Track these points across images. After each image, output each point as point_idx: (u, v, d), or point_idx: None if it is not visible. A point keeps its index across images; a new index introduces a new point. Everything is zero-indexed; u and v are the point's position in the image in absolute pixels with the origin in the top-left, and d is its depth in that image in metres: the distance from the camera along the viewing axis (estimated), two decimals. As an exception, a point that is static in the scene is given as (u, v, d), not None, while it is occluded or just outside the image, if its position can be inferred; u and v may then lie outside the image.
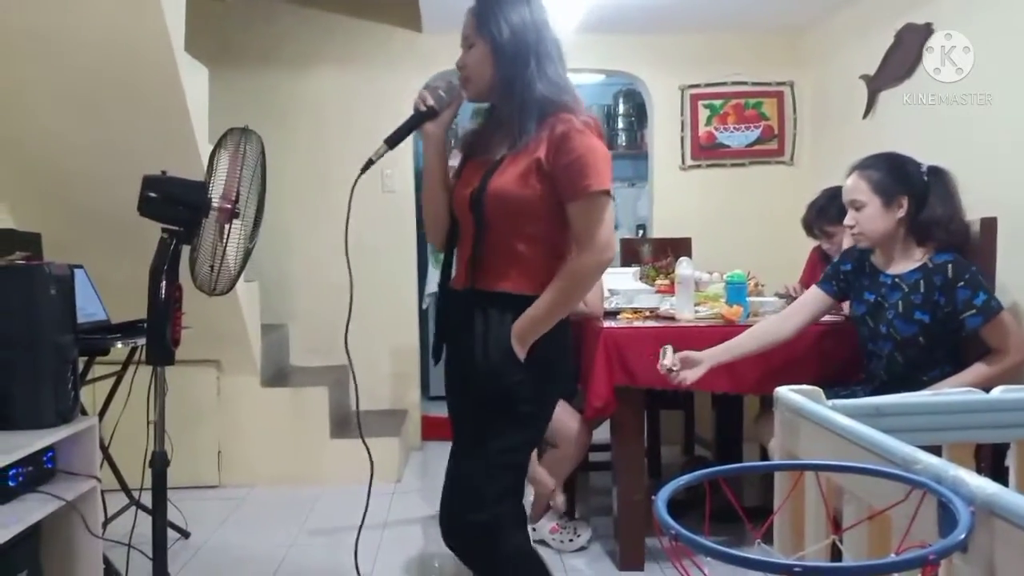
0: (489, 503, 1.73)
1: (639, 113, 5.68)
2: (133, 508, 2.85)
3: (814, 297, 2.49)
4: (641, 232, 5.50)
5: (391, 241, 4.32)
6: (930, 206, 2.24)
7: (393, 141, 1.85)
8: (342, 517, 3.29)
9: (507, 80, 1.80)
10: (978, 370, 2.17)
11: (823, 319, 2.71)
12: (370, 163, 1.82)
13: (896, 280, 2.29)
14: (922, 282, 2.23)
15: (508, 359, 1.69)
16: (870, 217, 2.27)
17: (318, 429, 3.72)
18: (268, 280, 3.98)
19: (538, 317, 1.69)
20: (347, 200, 1.89)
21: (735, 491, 2.88)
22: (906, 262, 2.29)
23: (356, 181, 1.83)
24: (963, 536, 0.75)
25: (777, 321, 2.47)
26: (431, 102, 1.88)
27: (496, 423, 1.74)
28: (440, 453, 4.11)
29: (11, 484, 2.13)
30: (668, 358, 2.30)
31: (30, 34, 2.56)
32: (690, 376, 2.31)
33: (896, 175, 2.26)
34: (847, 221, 2.34)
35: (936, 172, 2.29)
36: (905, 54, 3.40)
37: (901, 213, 2.25)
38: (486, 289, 1.75)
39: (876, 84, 3.65)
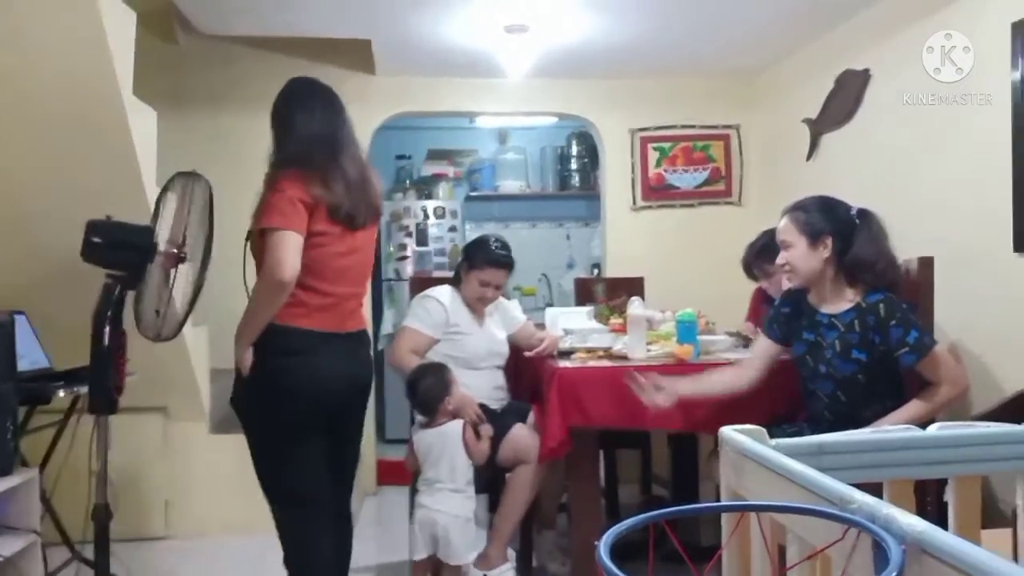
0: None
1: (592, 154, 5.77)
2: (75, 562, 2.75)
3: (764, 347, 2.54)
4: (596, 271, 5.56)
5: (345, 283, 4.29)
6: (857, 246, 2.31)
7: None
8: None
9: None
10: (914, 407, 2.22)
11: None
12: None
13: (832, 320, 2.35)
14: (856, 322, 2.29)
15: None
16: (797, 256, 2.35)
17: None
18: (217, 324, 3.91)
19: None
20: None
21: (692, 529, 2.89)
22: (840, 302, 2.35)
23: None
24: (895, 574, 0.76)
25: (735, 372, 2.52)
26: None
27: None
28: (396, 498, 4.06)
29: (-57, 540, 2.05)
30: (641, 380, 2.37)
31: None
32: (661, 400, 2.36)
33: (822, 216, 2.34)
34: (778, 261, 2.43)
35: (864, 214, 2.37)
36: (845, 98, 3.52)
37: (826, 253, 2.32)
38: None
39: (818, 127, 3.77)
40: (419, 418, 2.78)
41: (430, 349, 3.02)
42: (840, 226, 2.32)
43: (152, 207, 2.42)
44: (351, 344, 2.29)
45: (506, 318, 3.24)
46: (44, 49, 2.50)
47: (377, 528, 3.81)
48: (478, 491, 2.81)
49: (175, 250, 2.14)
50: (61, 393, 2.57)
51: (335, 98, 2.32)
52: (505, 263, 3.05)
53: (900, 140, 3.20)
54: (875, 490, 1.09)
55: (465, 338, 3.05)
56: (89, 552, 2.50)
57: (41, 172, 2.80)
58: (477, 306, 3.11)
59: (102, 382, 2.02)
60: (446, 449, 2.63)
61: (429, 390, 2.68)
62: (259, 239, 2.10)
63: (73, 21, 2.44)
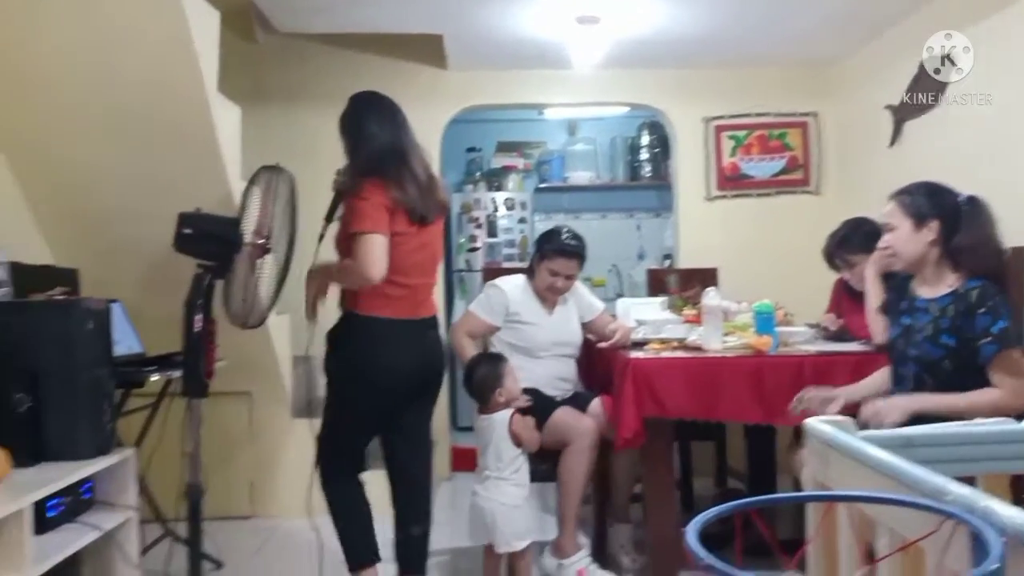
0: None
1: (663, 144, 5.71)
2: (168, 539, 2.88)
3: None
4: (668, 262, 5.50)
5: (419, 273, 4.36)
6: (962, 232, 2.25)
7: (329, 217, 2.46)
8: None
9: None
10: (981, 395, 2.15)
11: (855, 348, 2.70)
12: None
13: (929, 304, 2.30)
14: (952, 307, 2.23)
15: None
16: (900, 238, 2.31)
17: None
18: (298, 313, 4.03)
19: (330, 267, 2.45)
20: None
21: (768, 524, 2.85)
22: (939, 286, 2.30)
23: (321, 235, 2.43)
24: (995, 566, 0.75)
25: (885, 371, 2.44)
26: None
27: None
28: (469, 484, 4.09)
29: (51, 515, 2.17)
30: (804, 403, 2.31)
31: (73, 72, 2.65)
32: (832, 409, 2.28)
33: (929, 200, 2.30)
34: (881, 243, 2.39)
35: (972, 201, 2.30)
36: (930, 83, 3.40)
37: (931, 236, 2.27)
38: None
39: (902, 113, 3.66)
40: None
41: (489, 334, 3.13)
42: (946, 211, 2.27)
43: (238, 200, 2.51)
44: (424, 329, 2.56)
45: (583, 306, 3.25)
46: (131, 49, 2.61)
47: (451, 513, 3.86)
48: (544, 480, 2.85)
49: (261, 241, 2.21)
50: (154, 377, 2.69)
51: (397, 107, 2.55)
52: (573, 253, 3.07)
53: (989, 125, 3.08)
54: (968, 486, 1.07)
55: (527, 327, 3.10)
56: (180, 529, 2.62)
57: (131, 168, 2.93)
58: (548, 296, 3.13)
59: (194, 367, 2.11)
60: (493, 437, 2.67)
61: (482, 380, 2.73)
62: (345, 241, 2.36)
63: (159, 21, 2.54)
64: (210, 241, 2.17)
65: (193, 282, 2.16)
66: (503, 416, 2.68)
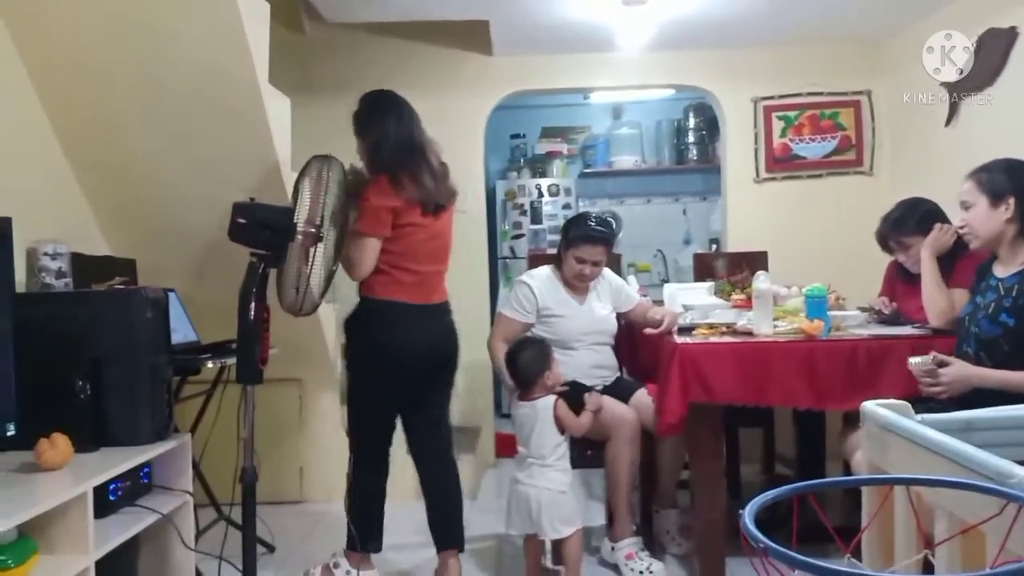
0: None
1: (710, 127, 5.64)
2: (223, 522, 2.95)
3: None
4: (715, 246, 5.44)
5: (463, 260, 4.34)
6: None
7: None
8: (419, 534, 3.33)
9: None
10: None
11: (910, 332, 2.65)
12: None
13: (999, 282, 2.25)
14: (1017, 286, 2.17)
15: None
16: (977, 216, 2.29)
17: (395, 445, 3.77)
18: (348, 302, 4.09)
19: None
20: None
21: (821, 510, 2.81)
22: (1012, 264, 2.26)
23: None
24: (1063, 550, 0.73)
25: None
26: None
27: None
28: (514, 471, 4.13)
29: (111, 498, 2.24)
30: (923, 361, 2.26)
31: (126, 63, 2.71)
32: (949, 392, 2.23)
33: (1007, 176, 2.27)
34: (958, 222, 2.39)
35: None
36: (988, 59, 3.30)
37: (1008, 214, 2.23)
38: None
39: (958, 91, 3.55)
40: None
41: (525, 333, 3.07)
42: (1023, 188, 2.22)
43: (290, 190, 2.55)
44: (438, 313, 2.72)
45: (617, 295, 3.22)
46: (184, 40, 2.65)
47: (498, 499, 3.88)
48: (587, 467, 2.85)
49: (313, 230, 2.24)
50: (209, 364, 2.75)
51: (407, 102, 2.69)
52: (600, 238, 3.02)
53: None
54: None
55: (558, 320, 3.07)
56: (234, 514, 2.68)
57: (185, 158, 2.98)
58: (576, 284, 3.10)
59: (249, 354, 2.15)
60: (537, 423, 2.65)
61: (529, 363, 2.70)
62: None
63: (211, 12, 2.57)
64: (264, 231, 2.20)
65: (248, 271, 2.19)
66: (547, 402, 2.67)
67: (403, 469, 2.99)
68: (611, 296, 3.20)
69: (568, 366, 2.95)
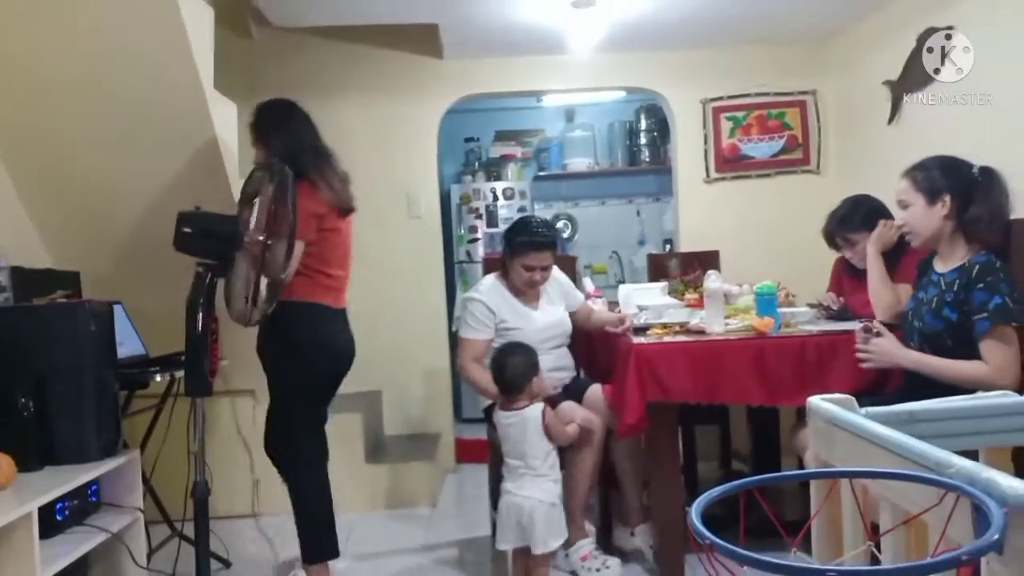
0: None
1: (661, 128, 5.70)
2: (176, 539, 2.89)
3: None
4: (668, 247, 5.50)
5: (419, 266, 4.35)
6: (975, 204, 2.25)
7: None
8: (379, 542, 3.31)
9: None
10: (970, 367, 2.16)
11: (857, 327, 2.69)
12: None
13: (940, 277, 2.30)
14: (957, 280, 2.23)
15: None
16: (915, 215, 2.34)
17: (353, 455, 3.74)
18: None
19: None
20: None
21: (774, 506, 2.87)
22: (952, 259, 2.31)
23: None
24: (996, 536, 0.74)
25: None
26: None
27: None
28: (474, 476, 4.13)
29: (59, 518, 2.18)
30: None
31: (67, 73, 2.65)
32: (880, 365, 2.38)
33: (941, 174, 2.31)
34: (897, 221, 2.45)
35: (987, 172, 2.30)
36: (927, 57, 3.38)
37: (944, 211, 2.28)
38: None
39: (900, 88, 3.63)
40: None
41: (488, 350, 2.99)
42: (960, 184, 2.27)
43: (237, 197, 2.51)
44: (344, 318, 2.78)
45: (567, 295, 3.19)
46: (127, 48, 2.60)
47: (457, 506, 3.88)
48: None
49: (260, 238, 2.20)
50: (158, 378, 2.69)
51: (306, 112, 2.73)
52: (545, 243, 2.95)
53: (992, 98, 3.05)
54: (971, 459, 1.06)
55: (515, 332, 2.98)
56: (187, 529, 2.63)
57: (129, 168, 2.92)
58: (527, 291, 3.04)
59: (198, 366, 2.11)
60: (528, 432, 2.58)
61: (520, 368, 2.62)
62: None
63: (153, 19, 2.53)
64: (210, 239, 2.17)
65: (194, 281, 2.16)
66: (535, 411, 2.59)
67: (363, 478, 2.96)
68: (562, 296, 3.17)
69: None
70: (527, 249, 2.94)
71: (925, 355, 2.26)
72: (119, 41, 2.57)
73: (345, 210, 2.66)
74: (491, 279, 3.11)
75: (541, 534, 2.54)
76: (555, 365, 3.06)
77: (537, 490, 2.57)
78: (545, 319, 3.07)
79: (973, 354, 2.19)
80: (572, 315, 3.18)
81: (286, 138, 2.59)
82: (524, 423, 2.60)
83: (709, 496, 0.87)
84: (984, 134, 3.07)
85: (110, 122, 2.79)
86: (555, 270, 3.13)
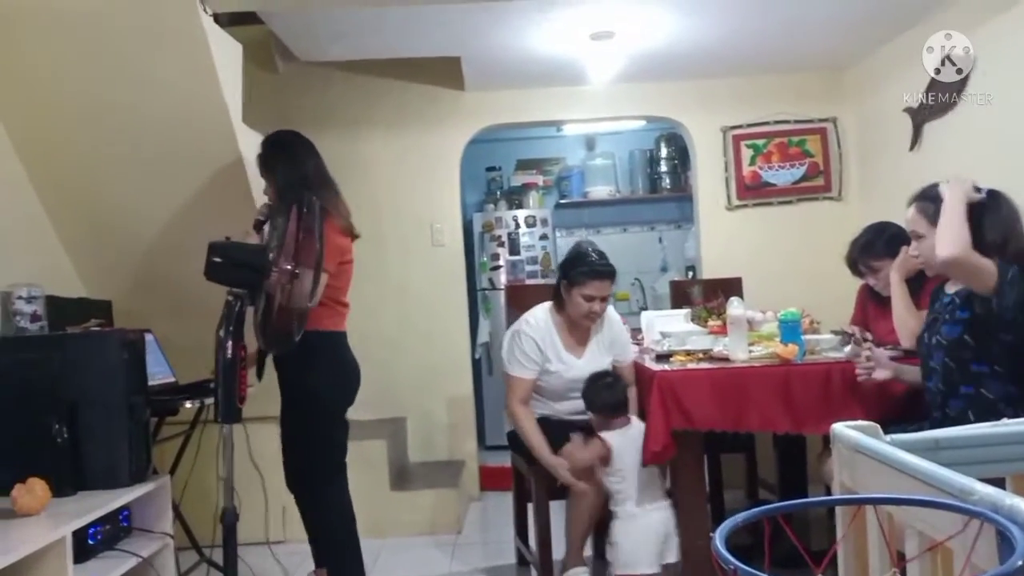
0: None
1: (682, 155, 5.73)
2: (204, 564, 2.91)
3: None
4: (691, 273, 5.50)
5: (442, 293, 4.40)
6: (985, 229, 2.24)
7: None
8: (405, 569, 3.31)
9: None
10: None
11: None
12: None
13: (953, 296, 2.30)
14: (967, 292, 2.23)
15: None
16: (927, 246, 2.31)
17: (378, 482, 3.76)
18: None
19: None
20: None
21: (801, 535, 2.84)
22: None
23: None
24: (1020, 563, 0.75)
25: None
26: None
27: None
28: (499, 503, 4.13)
29: (91, 543, 2.21)
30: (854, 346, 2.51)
31: (100, 108, 2.73)
32: (879, 375, 2.45)
33: None
34: (910, 251, 2.43)
35: (994, 195, 2.29)
36: (948, 84, 3.39)
37: None
38: None
39: (920, 116, 3.64)
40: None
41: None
42: (969, 209, 2.26)
43: (266, 228, 2.56)
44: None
45: (617, 343, 3.02)
46: (158, 84, 2.68)
47: (482, 533, 3.88)
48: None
49: (289, 267, 2.25)
50: (187, 405, 2.74)
51: (310, 141, 2.71)
52: (607, 272, 2.86)
53: (1010, 123, 3.06)
54: (997, 486, 1.07)
55: (548, 377, 2.91)
56: (216, 555, 2.65)
57: (160, 200, 3.00)
58: (584, 323, 2.92)
59: (227, 393, 2.15)
60: (637, 451, 2.66)
61: (618, 383, 2.80)
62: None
63: (184, 55, 2.61)
64: (239, 269, 2.21)
65: (224, 309, 2.20)
66: (640, 427, 2.71)
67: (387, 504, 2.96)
68: (610, 347, 3.00)
69: (550, 407, 2.95)
70: (588, 279, 2.83)
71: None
72: (150, 77, 2.66)
73: (352, 237, 2.71)
74: (543, 312, 2.98)
75: (673, 545, 2.67)
76: (580, 409, 2.93)
77: (665, 502, 2.72)
78: (587, 369, 2.92)
79: (995, 349, 2.18)
80: (614, 365, 3.00)
81: (302, 167, 2.61)
82: (631, 442, 2.69)
83: (734, 522, 0.89)
84: (1006, 161, 3.07)
85: (141, 153, 2.87)
86: (615, 315, 3.07)
